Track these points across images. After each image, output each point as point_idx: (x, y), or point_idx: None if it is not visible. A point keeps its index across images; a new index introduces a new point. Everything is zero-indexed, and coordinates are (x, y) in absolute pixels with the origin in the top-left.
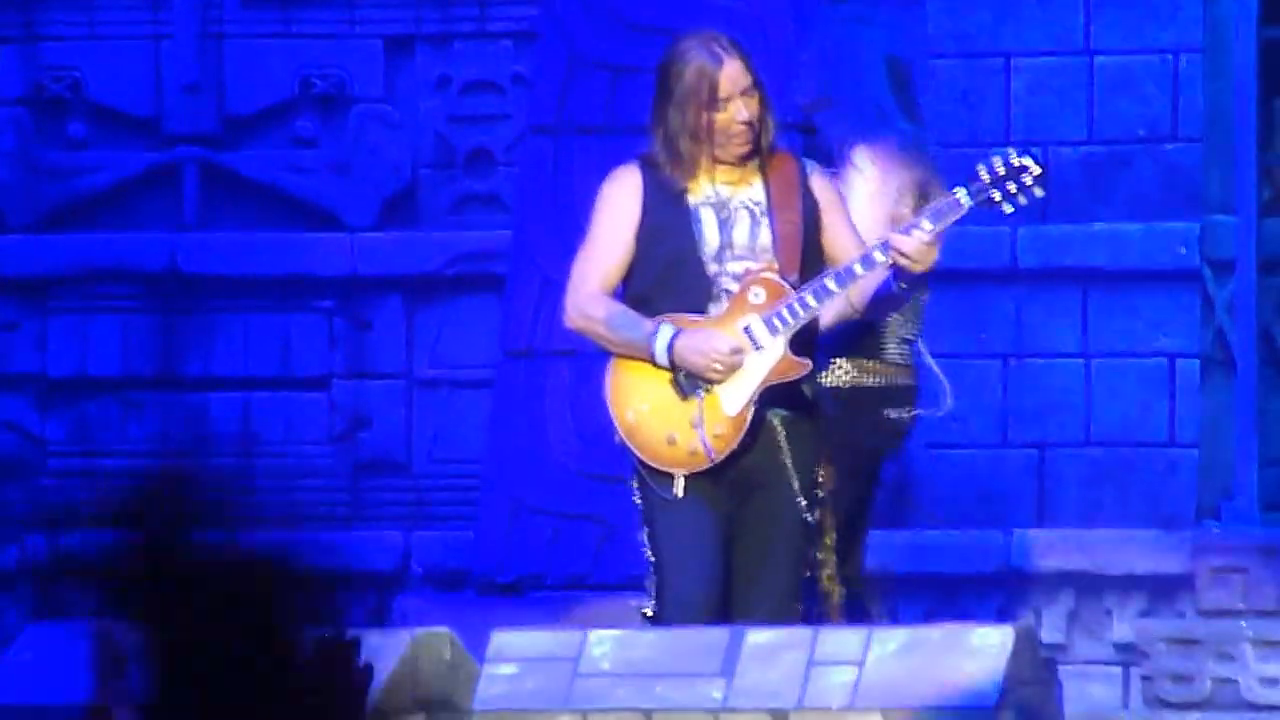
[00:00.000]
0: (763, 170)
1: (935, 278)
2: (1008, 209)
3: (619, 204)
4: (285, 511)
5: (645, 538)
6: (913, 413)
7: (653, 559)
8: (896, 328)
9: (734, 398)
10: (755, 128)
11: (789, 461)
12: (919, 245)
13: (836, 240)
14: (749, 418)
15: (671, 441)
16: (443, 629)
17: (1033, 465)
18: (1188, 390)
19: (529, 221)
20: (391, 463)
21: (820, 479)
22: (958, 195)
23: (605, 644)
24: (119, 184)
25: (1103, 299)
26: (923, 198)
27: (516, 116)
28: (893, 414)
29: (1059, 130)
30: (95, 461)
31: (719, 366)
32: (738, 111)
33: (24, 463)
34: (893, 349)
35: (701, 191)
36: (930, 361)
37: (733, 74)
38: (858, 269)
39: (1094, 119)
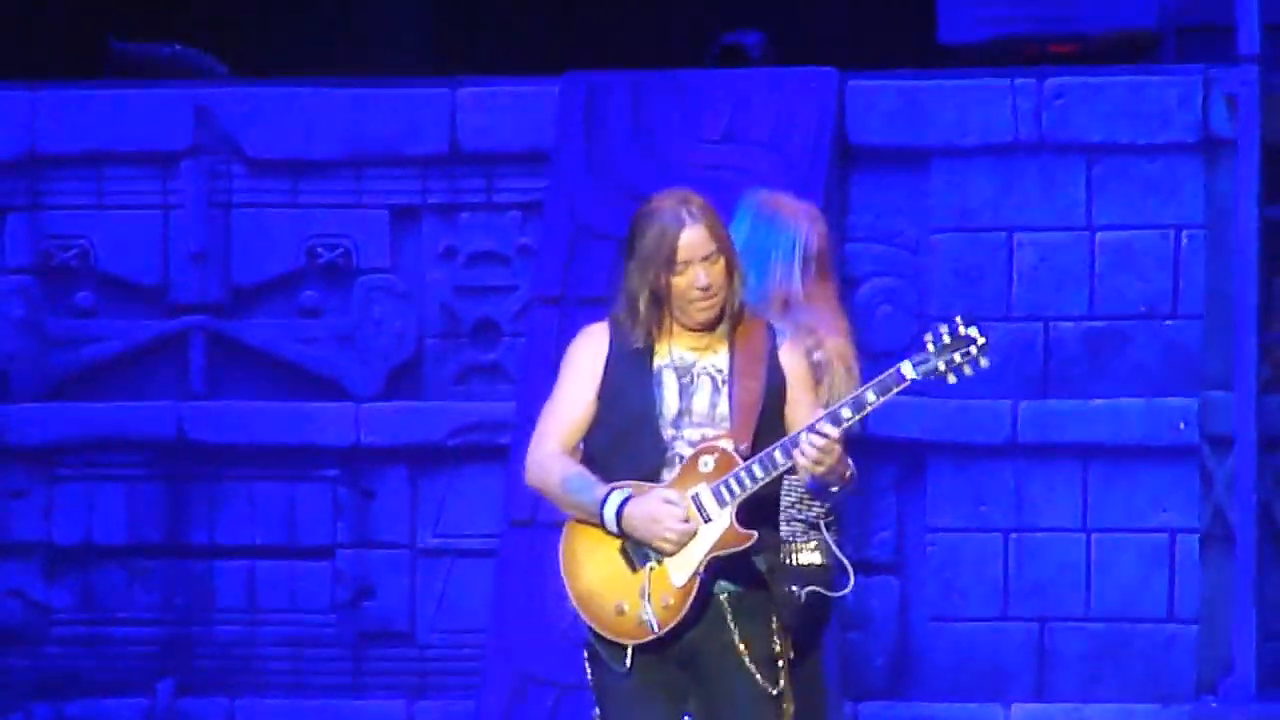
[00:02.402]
0: (730, 336)
1: (938, 450)
2: (952, 379)
3: (583, 363)
4: (289, 680)
5: (596, 714)
6: (807, 590)
7: None
8: (789, 507)
9: (681, 569)
10: (715, 294)
11: (736, 637)
12: (817, 450)
13: (798, 413)
14: (695, 589)
15: (620, 611)
16: None
17: (1033, 639)
18: (1187, 565)
19: (534, 392)
20: (395, 632)
21: (778, 649)
22: (901, 368)
23: None
24: (126, 353)
25: (1103, 473)
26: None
27: (522, 287)
28: (786, 590)
29: (1060, 305)
30: (101, 629)
31: (669, 537)
32: (696, 277)
33: (29, 630)
34: (785, 528)
35: (665, 355)
36: (831, 542)
37: (694, 239)
38: (803, 441)
39: (1095, 294)
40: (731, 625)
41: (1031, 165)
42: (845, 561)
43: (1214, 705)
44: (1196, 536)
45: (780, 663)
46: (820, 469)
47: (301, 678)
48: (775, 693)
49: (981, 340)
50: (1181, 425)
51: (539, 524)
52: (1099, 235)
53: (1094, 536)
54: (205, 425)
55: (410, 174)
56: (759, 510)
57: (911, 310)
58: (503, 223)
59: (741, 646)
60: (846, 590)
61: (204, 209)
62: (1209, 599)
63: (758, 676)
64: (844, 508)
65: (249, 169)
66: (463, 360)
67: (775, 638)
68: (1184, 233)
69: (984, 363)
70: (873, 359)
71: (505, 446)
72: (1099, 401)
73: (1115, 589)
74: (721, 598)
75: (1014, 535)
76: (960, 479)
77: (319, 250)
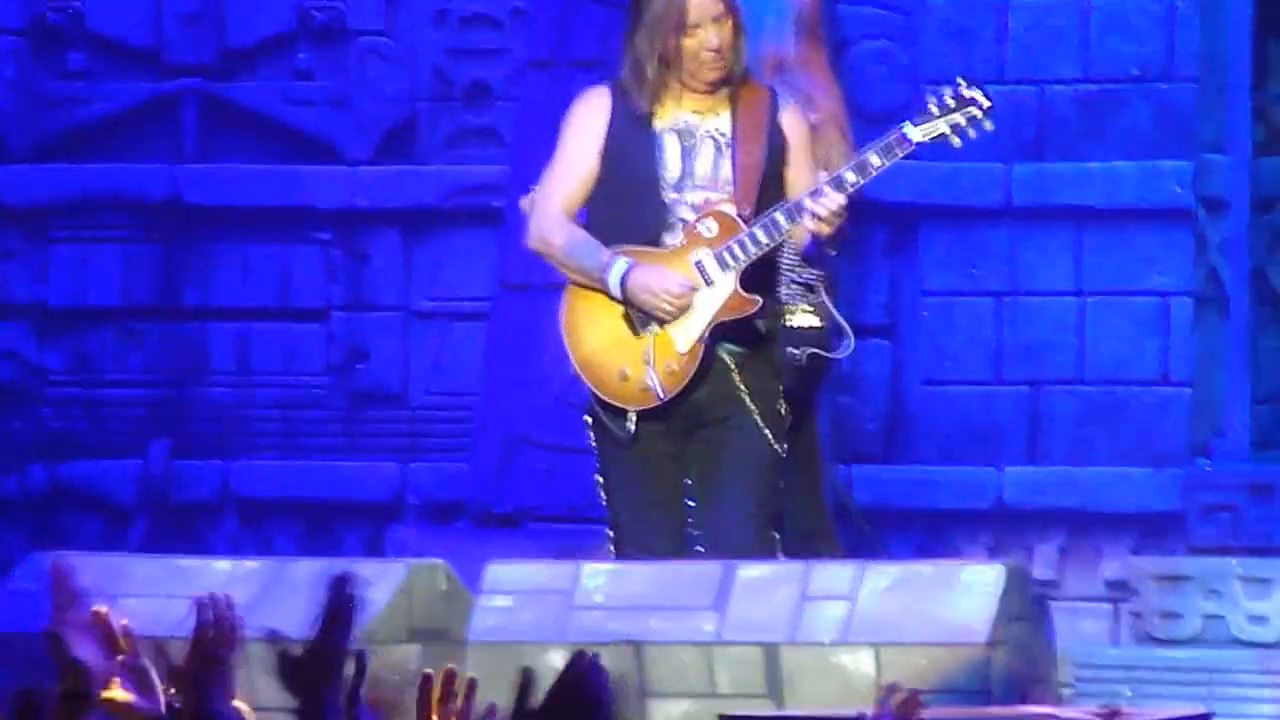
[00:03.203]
0: (733, 100)
1: (930, 214)
2: (956, 142)
3: (585, 126)
4: (282, 441)
5: (600, 486)
6: (808, 352)
7: (608, 502)
8: (788, 270)
9: (685, 334)
10: (725, 55)
11: (746, 395)
12: (826, 213)
13: (799, 178)
14: (700, 354)
15: (624, 377)
16: (438, 560)
17: (1025, 402)
18: (1180, 328)
19: (526, 156)
20: (388, 394)
21: (782, 411)
22: (904, 129)
23: (599, 577)
24: (119, 115)
25: (1096, 237)
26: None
27: (514, 51)
28: (788, 352)
29: (1054, 69)
30: (94, 391)
31: (668, 306)
32: (707, 38)
33: (24, 392)
34: (783, 291)
35: (668, 119)
36: (830, 304)
37: (703, 0)
38: (806, 204)
39: (1089, 58)
40: (739, 384)
41: None
42: (843, 324)
43: (1207, 468)
44: (1190, 299)
45: (785, 424)
46: (827, 230)
47: (294, 440)
48: (781, 451)
49: (986, 103)
50: (1176, 188)
51: (532, 287)
52: None
53: (1087, 300)
54: (198, 187)
55: None
56: (761, 274)
57: (904, 73)
58: None
59: (750, 403)
60: (846, 352)
61: None
62: (1202, 362)
63: (767, 433)
64: (838, 271)
65: None
66: (455, 123)
67: (780, 399)
68: None
69: (988, 125)
70: (866, 122)
71: (498, 209)
72: (1093, 164)
73: (1108, 352)
74: (726, 356)
75: (1007, 298)
76: (953, 242)
77: (312, 13)
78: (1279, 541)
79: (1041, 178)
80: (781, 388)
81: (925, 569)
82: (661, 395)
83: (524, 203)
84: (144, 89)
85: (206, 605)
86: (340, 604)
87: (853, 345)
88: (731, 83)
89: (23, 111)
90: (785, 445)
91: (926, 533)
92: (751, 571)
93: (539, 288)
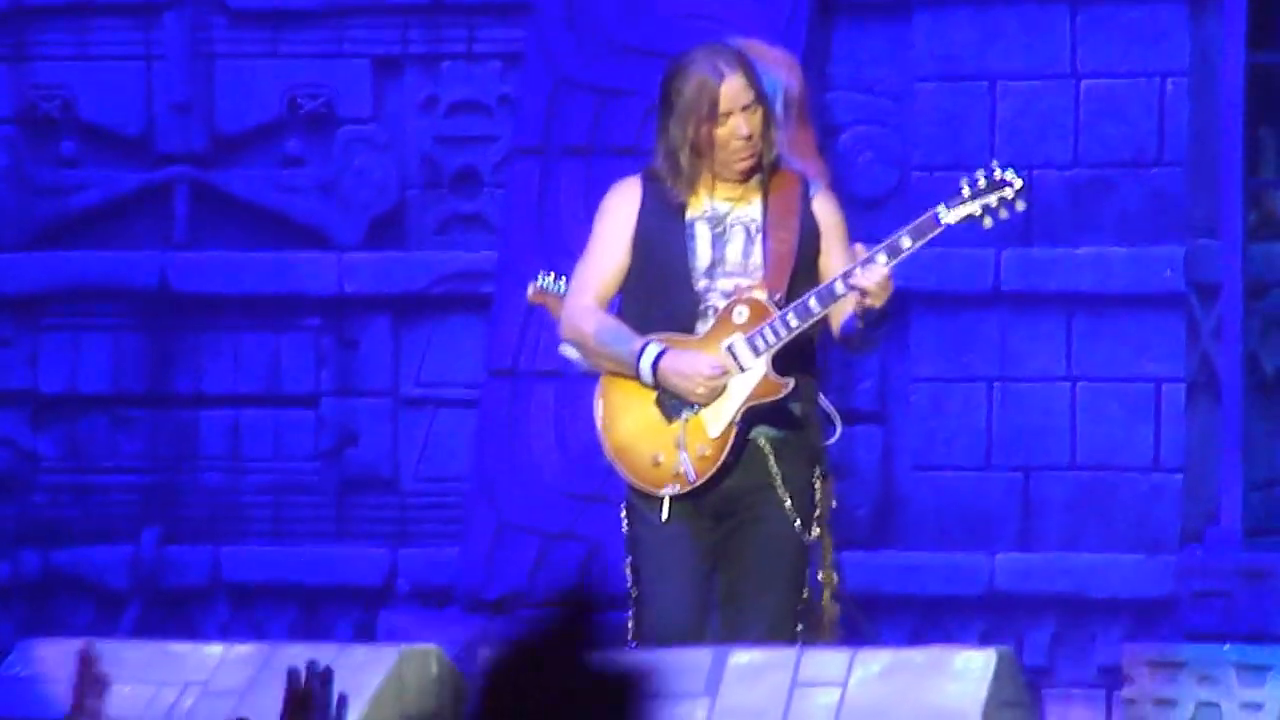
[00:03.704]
0: (764, 188)
1: (921, 300)
2: (988, 223)
3: (616, 216)
4: (273, 527)
5: (628, 568)
6: None
7: (633, 590)
8: None
9: (717, 419)
10: (756, 143)
11: (779, 481)
12: (877, 279)
13: (832, 262)
14: (732, 439)
15: (656, 462)
16: (430, 645)
17: (1017, 488)
18: (1172, 414)
19: (515, 242)
20: (378, 480)
21: (818, 497)
22: (937, 212)
23: None
24: (110, 202)
25: (1088, 323)
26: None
27: (503, 137)
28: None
29: (1044, 154)
30: (86, 478)
31: (700, 389)
32: (738, 127)
33: (16, 478)
34: None
35: (699, 207)
36: (815, 390)
37: (734, 89)
38: (838, 288)
39: (1079, 143)
40: (773, 469)
41: (1014, 13)
42: (831, 411)
43: (1199, 554)
44: (1182, 385)
45: (819, 510)
46: (876, 303)
47: (285, 525)
48: (808, 539)
49: (1018, 184)
50: (1167, 273)
51: (520, 373)
52: (1083, 83)
53: (1079, 385)
54: (188, 275)
55: (392, 23)
56: (794, 357)
57: (893, 159)
58: (484, 73)
59: (781, 489)
60: (831, 440)
61: (187, 60)
62: (1194, 448)
63: (796, 522)
64: (828, 357)
65: (231, 19)
66: (444, 210)
67: (815, 483)
68: (1169, 80)
69: (1020, 205)
70: (855, 208)
71: (487, 296)
72: (1084, 249)
73: (1100, 438)
74: (762, 441)
75: (998, 384)
76: (943, 328)
77: (301, 100)
78: (1273, 627)
79: (1032, 263)
80: (818, 472)
81: (916, 655)
82: (692, 478)
83: (530, 291)
84: (134, 177)
85: (298, 674)
86: None
87: (839, 433)
88: (763, 170)
89: (14, 200)
90: (814, 530)
91: (918, 619)
92: (743, 658)
93: (527, 374)
